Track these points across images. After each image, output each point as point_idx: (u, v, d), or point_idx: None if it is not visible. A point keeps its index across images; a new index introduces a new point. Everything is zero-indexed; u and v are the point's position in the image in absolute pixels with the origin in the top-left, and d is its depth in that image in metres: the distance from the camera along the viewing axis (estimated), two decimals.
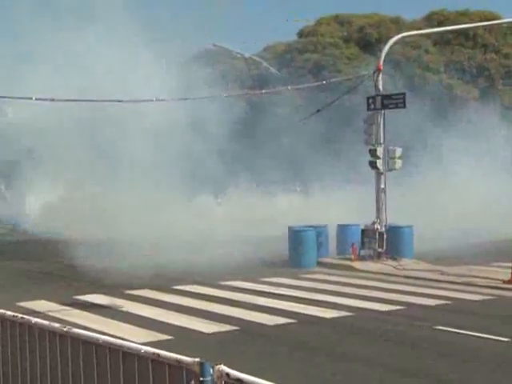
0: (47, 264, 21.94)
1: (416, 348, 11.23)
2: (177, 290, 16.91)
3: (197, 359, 4.60)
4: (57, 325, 5.98)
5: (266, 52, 45.23)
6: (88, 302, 15.44)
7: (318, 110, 24.65)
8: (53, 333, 5.88)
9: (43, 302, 15.43)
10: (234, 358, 9.04)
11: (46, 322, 6.11)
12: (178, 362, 4.74)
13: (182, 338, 11.84)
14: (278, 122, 35.73)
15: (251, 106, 37.89)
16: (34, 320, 6.20)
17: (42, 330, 6.01)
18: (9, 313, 6.50)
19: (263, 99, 36.69)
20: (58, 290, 17.02)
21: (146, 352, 5.02)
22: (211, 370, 4.52)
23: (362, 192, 24.59)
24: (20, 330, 6.26)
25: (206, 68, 38.01)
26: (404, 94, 21.66)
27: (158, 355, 4.91)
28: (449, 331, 12.15)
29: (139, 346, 5.20)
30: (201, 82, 30.37)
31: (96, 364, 5.44)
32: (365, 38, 42.32)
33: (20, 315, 6.42)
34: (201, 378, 4.52)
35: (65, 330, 5.78)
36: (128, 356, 5.15)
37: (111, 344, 5.34)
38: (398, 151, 21.17)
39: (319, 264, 20.95)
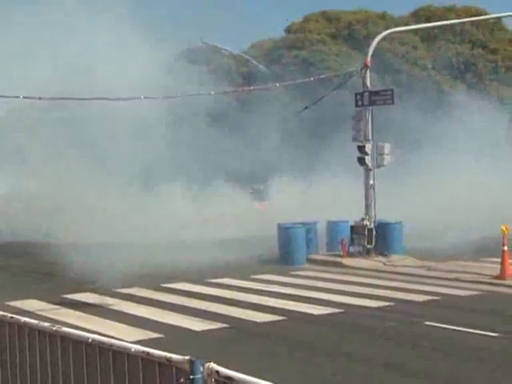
0: (31, 262, 21.78)
1: (409, 345, 11.26)
2: (167, 288, 16.90)
3: (186, 357, 4.60)
4: (46, 324, 5.96)
5: (253, 49, 45.25)
6: (78, 301, 15.39)
7: (306, 108, 24.70)
8: (42, 332, 5.86)
9: (33, 301, 15.38)
10: (225, 356, 9.04)
11: (35, 322, 6.08)
12: (168, 360, 4.73)
13: (172, 336, 11.83)
14: (266, 118, 35.75)
15: (240, 103, 37.91)
16: (24, 319, 6.17)
17: (31, 329, 5.99)
18: None
19: (252, 96, 36.71)
20: (48, 289, 16.93)
21: (135, 350, 5.01)
22: (201, 368, 4.51)
23: (351, 187, 24.64)
24: (9, 329, 6.23)
25: (195, 65, 37.99)
26: (392, 90, 21.70)
27: (148, 353, 4.90)
28: (440, 327, 12.19)
29: (129, 345, 5.19)
30: (189, 79, 30.32)
31: (86, 363, 5.43)
32: (353, 35, 42.39)
33: (9, 315, 6.39)
34: (191, 376, 4.52)
35: (54, 329, 5.76)
36: (118, 355, 5.14)
37: (101, 343, 5.33)
38: (387, 147, 21.19)
39: (309, 261, 20.96)
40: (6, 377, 6.33)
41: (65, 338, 5.64)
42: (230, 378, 4.37)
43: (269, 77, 37.68)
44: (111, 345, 5.25)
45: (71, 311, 14.28)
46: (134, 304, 14.95)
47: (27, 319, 6.20)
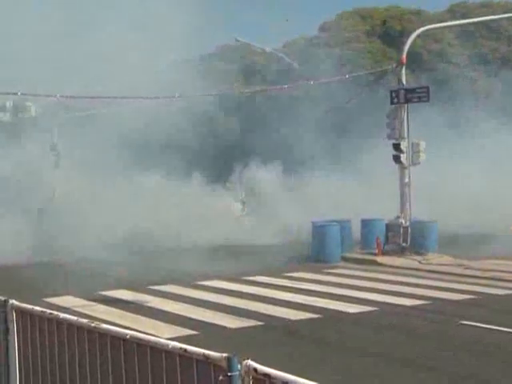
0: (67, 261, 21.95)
1: (442, 344, 11.15)
2: (200, 285, 16.96)
3: (224, 354, 4.58)
4: (85, 320, 6.00)
5: (286, 47, 45.11)
6: (113, 298, 15.52)
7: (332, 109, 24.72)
8: (81, 328, 5.90)
9: (69, 297, 15.54)
10: (259, 353, 9.02)
11: (73, 318, 6.13)
12: (206, 357, 4.72)
13: (206, 333, 11.87)
14: (298, 116, 35.64)
15: (272, 100, 37.84)
16: (62, 315, 6.22)
17: (70, 325, 6.03)
18: (37, 308, 6.54)
19: (283, 94, 36.60)
20: (83, 287, 17.06)
21: (173, 347, 5.01)
22: (239, 366, 4.50)
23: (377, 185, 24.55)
24: (48, 325, 6.29)
25: (227, 63, 38.03)
26: (427, 87, 21.49)
27: (185, 350, 4.89)
28: (475, 326, 12.05)
29: (166, 341, 5.19)
30: (221, 76, 30.38)
31: (124, 359, 5.45)
32: (387, 32, 42.09)
33: (48, 311, 6.45)
34: (228, 373, 4.50)
35: (92, 325, 5.80)
36: (155, 351, 5.15)
37: (138, 339, 5.34)
38: (422, 144, 21.03)
39: (343, 259, 20.89)
40: (45, 372, 6.39)
41: (103, 334, 5.67)
42: (267, 376, 4.34)
43: (301, 75, 37.54)
44: (148, 341, 5.26)
45: (107, 308, 14.40)
46: (169, 301, 15.03)
47: (66, 315, 6.24)
